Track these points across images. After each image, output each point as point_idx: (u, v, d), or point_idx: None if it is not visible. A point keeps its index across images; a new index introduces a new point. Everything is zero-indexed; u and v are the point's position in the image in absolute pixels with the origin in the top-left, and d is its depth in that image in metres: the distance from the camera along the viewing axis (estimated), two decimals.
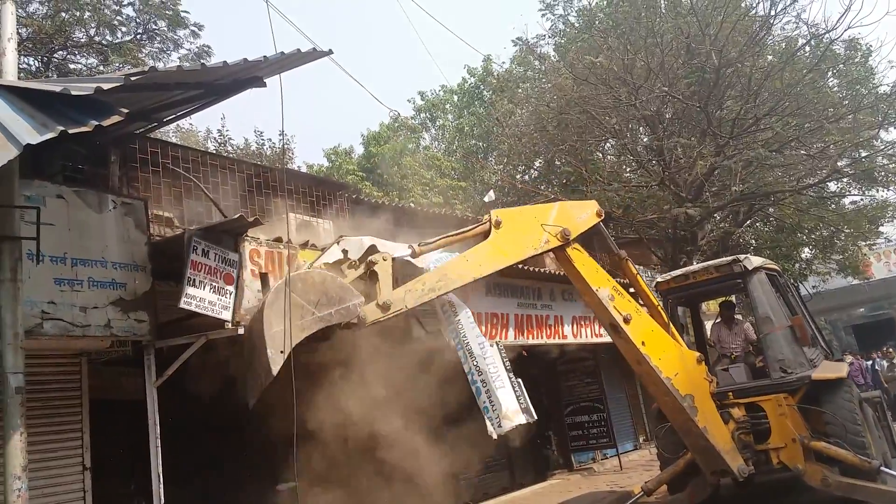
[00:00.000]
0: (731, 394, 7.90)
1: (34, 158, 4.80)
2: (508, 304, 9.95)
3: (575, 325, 11.52)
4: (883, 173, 17.24)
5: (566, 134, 17.61)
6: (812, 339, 8.47)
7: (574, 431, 12.92)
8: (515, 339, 9.91)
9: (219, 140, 21.51)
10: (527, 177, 21.44)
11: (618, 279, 7.55)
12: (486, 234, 6.55)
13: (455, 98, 31.32)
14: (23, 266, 4.98)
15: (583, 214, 7.38)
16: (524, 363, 9.93)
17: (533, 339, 10.38)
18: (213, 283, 5.98)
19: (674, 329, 7.79)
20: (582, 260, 7.07)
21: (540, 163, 20.59)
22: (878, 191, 18.80)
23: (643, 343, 7.11)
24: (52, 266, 5.38)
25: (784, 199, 16.48)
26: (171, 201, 7.78)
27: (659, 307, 7.90)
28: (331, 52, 6.36)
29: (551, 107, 17.71)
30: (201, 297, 5.83)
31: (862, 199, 18.81)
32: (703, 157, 15.28)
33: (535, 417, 7.71)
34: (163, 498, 5.64)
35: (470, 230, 6.78)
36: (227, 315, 6.02)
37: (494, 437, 7.42)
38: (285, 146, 20.92)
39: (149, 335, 5.91)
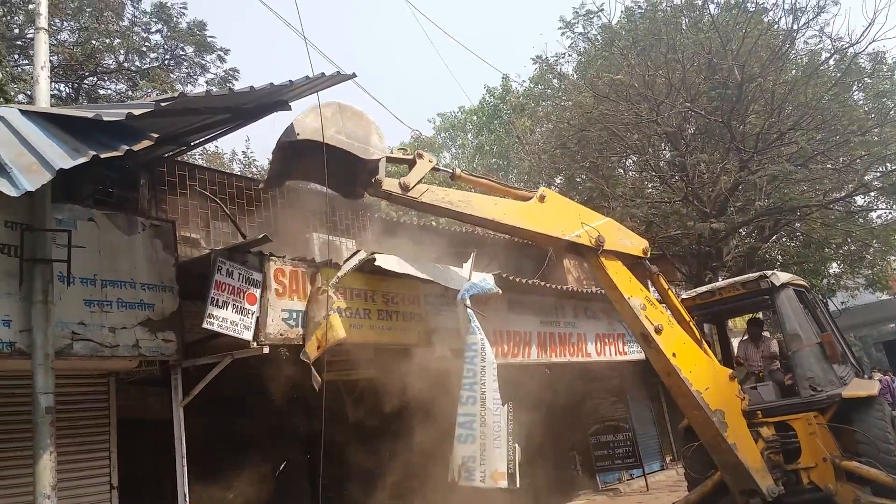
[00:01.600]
0: (759, 412, 7.76)
1: (66, 182, 4.93)
2: (531, 322, 9.90)
3: (599, 343, 11.42)
4: None
5: (587, 151, 17.61)
6: (842, 356, 8.30)
7: (599, 451, 12.74)
8: (538, 357, 9.84)
9: (244, 162, 21.84)
10: None
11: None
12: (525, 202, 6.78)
13: (475, 118, 31.52)
14: (54, 288, 5.10)
15: (626, 240, 7.41)
16: (547, 382, 9.86)
17: (556, 357, 10.30)
18: (237, 303, 6.06)
19: (706, 345, 7.71)
20: (615, 268, 7.11)
21: (560, 180, 20.57)
22: None
23: (674, 354, 7.06)
24: (82, 287, 5.48)
25: (810, 213, 16.26)
26: (198, 223, 7.91)
27: (691, 322, 7.83)
28: (354, 75, 6.46)
29: (572, 124, 17.73)
30: (224, 317, 5.92)
31: (890, 214, 18.48)
32: (726, 173, 15.17)
33: (518, 486, 7.67)
34: None
35: (515, 188, 7.13)
36: (248, 335, 6.07)
37: (458, 483, 7.37)
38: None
39: (176, 355, 5.98)
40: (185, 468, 5.78)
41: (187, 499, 5.73)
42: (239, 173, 18.24)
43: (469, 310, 7.82)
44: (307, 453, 8.02)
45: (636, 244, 7.46)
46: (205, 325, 5.78)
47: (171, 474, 5.89)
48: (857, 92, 16.61)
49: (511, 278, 8.96)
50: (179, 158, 7.85)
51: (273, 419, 7.47)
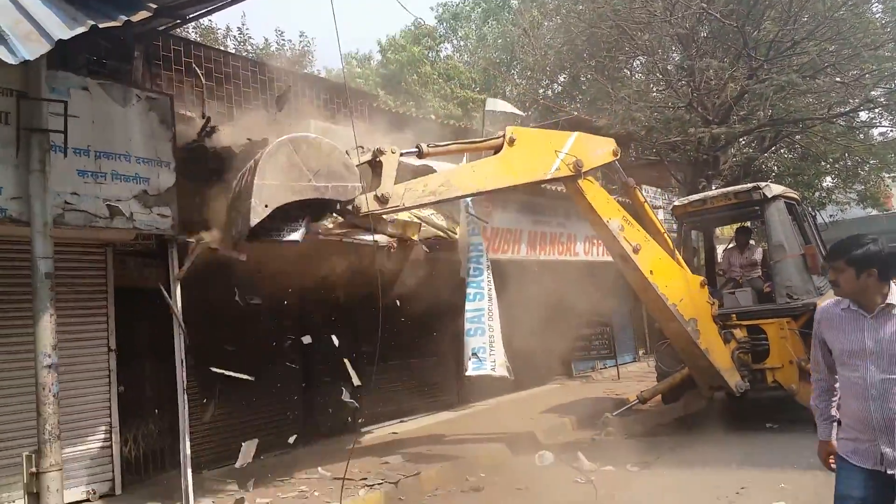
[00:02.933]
0: (734, 315, 8.11)
1: (60, 50, 4.83)
2: (523, 221, 10.06)
3: (587, 244, 11.68)
4: None
5: (595, 49, 17.13)
6: (822, 268, 8.56)
7: (577, 343, 13.30)
8: (528, 254, 10.08)
9: (238, 39, 21.14)
10: (549, 92, 21.01)
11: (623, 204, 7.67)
12: (498, 150, 6.55)
13: (481, 6, 30.33)
14: (50, 157, 5.13)
15: (599, 150, 7.40)
16: (535, 277, 10.13)
17: (545, 255, 10.55)
18: None
19: (678, 255, 7.91)
20: (593, 191, 7.14)
21: (564, 78, 20.11)
22: None
23: (651, 272, 7.30)
24: (75, 158, 5.44)
25: (813, 126, 16.12)
26: (192, 101, 7.82)
27: (664, 234, 7.99)
28: None
29: (582, 19, 17.13)
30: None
31: (891, 132, 18.32)
32: (734, 80, 14.86)
33: (513, 377, 8.10)
34: (185, 380, 6.01)
35: (482, 141, 6.82)
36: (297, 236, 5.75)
37: (470, 374, 7.71)
38: (306, 49, 20.50)
39: (171, 230, 6.08)
40: (182, 336, 6.02)
41: (184, 364, 6.03)
42: (234, 51, 17.76)
43: (472, 215, 7.99)
44: (295, 333, 8.34)
45: (606, 149, 7.44)
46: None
47: (166, 341, 6.16)
48: (875, 4, 16.03)
49: None
50: (174, 32, 7.65)
51: (265, 298, 7.71)
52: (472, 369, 7.63)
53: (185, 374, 5.99)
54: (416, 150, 6.04)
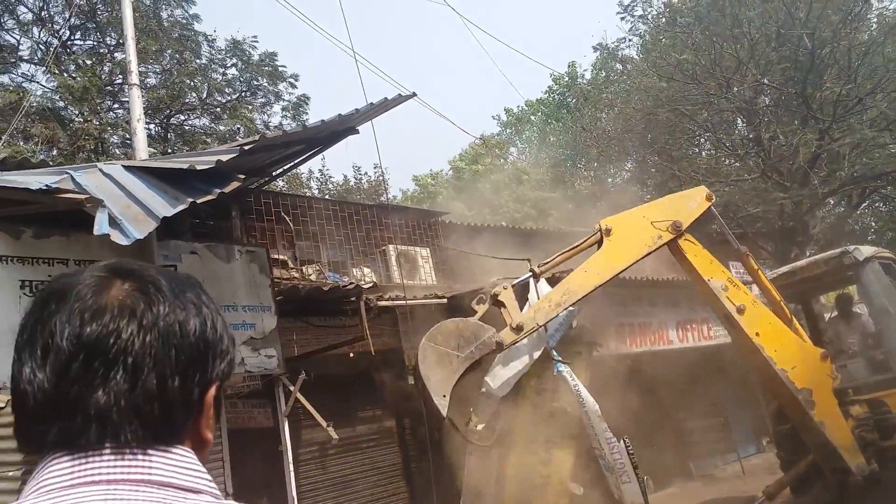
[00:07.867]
0: (850, 391, 7.63)
1: (167, 223, 5.48)
2: (605, 317, 9.97)
3: (680, 330, 11.38)
4: None
5: (656, 133, 17.39)
6: None
7: (692, 438, 12.64)
8: (617, 349, 9.92)
9: (320, 179, 22.75)
10: (618, 180, 21.24)
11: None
12: (599, 244, 6.85)
13: (542, 108, 31.48)
14: None
15: (691, 203, 7.43)
16: (631, 373, 9.91)
17: (636, 347, 10.35)
18: None
19: (797, 325, 7.62)
20: (694, 251, 7.15)
21: (630, 165, 20.35)
22: None
23: (757, 334, 7.07)
24: None
25: None
26: (284, 245, 8.50)
27: (782, 303, 7.77)
28: (414, 94, 6.83)
29: (637, 108, 17.54)
30: None
31: None
32: (805, 144, 14.65)
33: None
34: None
35: (583, 243, 7.16)
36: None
37: None
38: (383, 179, 21.68)
39: (278, 369, 6.51)
40: (293, 473, 6.29)
41: (296, 500, 6.24)
42: (317, 192, 19.09)
43: (558, 362, 8.05)
44: (402, 454, 8.46)
45: (699, 199, 7.42)
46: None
47: (278, 478, 6.42)
48: None
49: None
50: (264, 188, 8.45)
51: (368, 424, 7.94)
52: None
53: None
54: (531, 273, 6.67)
